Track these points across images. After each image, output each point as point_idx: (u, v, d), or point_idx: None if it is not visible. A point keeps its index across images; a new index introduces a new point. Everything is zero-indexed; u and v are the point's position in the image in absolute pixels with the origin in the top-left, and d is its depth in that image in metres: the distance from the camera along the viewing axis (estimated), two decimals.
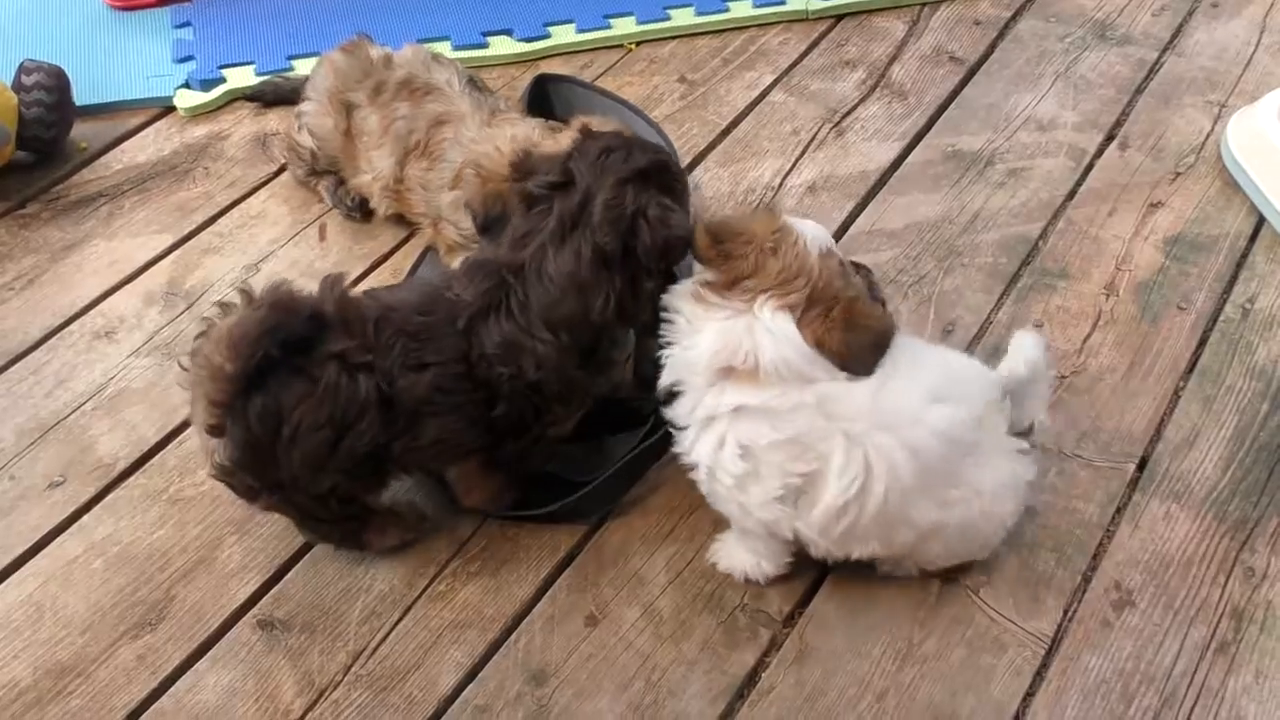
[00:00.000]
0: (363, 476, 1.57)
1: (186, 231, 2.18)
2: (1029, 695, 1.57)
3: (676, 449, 1.56)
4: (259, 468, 1.50)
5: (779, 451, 1.47)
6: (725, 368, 1.47)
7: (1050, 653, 1.60)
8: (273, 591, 1.68)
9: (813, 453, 1.46)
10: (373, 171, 2.06)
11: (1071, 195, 2.26)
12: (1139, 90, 2.50)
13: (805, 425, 1.46)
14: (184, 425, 1.86)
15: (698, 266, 1.53)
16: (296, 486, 1.52)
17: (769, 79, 2.51)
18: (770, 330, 1.45)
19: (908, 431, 1.47)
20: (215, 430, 1.47)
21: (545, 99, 2.34)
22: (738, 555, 1.67)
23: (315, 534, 1.69)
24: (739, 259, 1.48)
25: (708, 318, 1.48)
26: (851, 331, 1.46)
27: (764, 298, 1.46)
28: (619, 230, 1.54)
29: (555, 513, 1.73)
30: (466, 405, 1.54)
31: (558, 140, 1.81)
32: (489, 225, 1.80)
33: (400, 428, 1.52)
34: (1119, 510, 1.75)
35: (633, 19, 2.60)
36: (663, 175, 1.60)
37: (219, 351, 1.42)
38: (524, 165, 1.63)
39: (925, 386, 1.50)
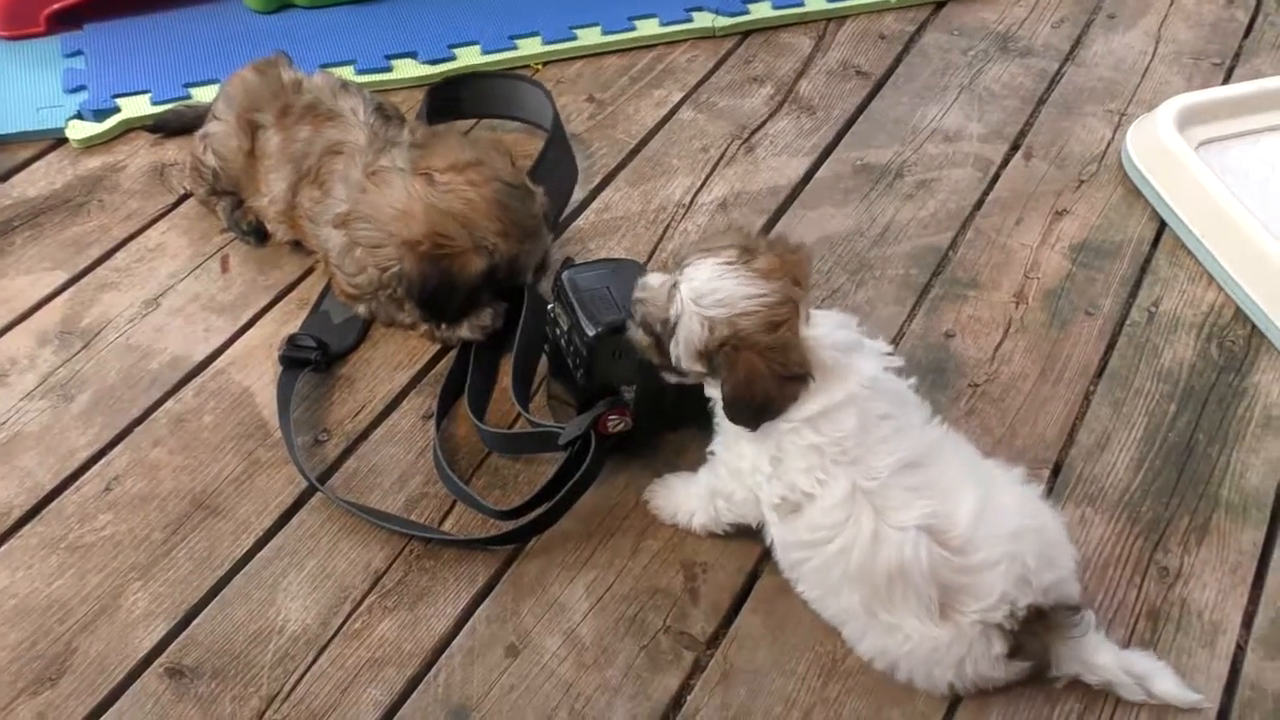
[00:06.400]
0: None
1: (81, 267, 2.11)
2: (953, 706, 1.57)
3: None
4: None
5: (803, 459, 1.49)
6: None
7: None
8: (180, 638, 1.61)
9: (823, 475, 1.49)
10: (270, 194, 2.02)
11: (979, 205, 2.29)
12: (1041, 101, 2.54)
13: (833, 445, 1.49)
14: (82, 469, 1.80)
15: None
16: None
17: (677, 96, 2.51)
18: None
19: (887, 524, 1.47)
20: None
21: (446, 105, 2.34)
22: (677, 498, 1.72)
23: None
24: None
25: None
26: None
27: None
28: None
29: (477, 541, 1.71)
30: None
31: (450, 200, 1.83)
32: (431, 300, 1.84)
33: None
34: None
35: (539, 39, 2.58)
36: None
37: None
38: None
39: (932, 508, 1.48)
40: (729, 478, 1.62)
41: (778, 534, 1.58)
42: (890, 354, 1.58)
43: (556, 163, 2.23)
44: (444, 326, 1.94)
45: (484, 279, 1.84)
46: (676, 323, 1.50)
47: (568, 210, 2.22)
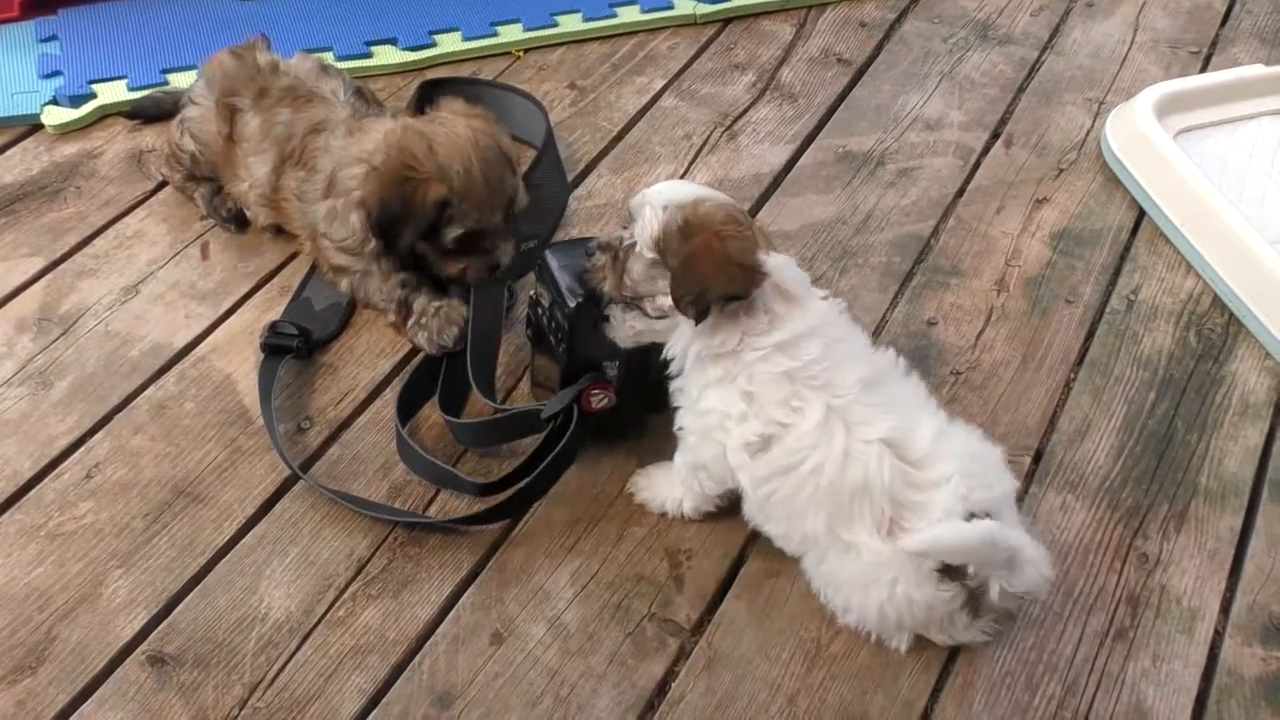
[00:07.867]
0: None
1: (59, 254, 2.09)
2: (936, 690, 1.58)
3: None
4: None
5: (778, 390, 1.51)
6: None
7: (956, 647, 1.61)
8: (162, 626, 1.60)
9: (798, 402, 1.51)
10: (250, 179, 2.00)
11: (960, 193, 2.30)
12: (1021, 89, 2.55)
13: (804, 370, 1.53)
14: (62, 456, 1.78)
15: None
16: None
17: (659, 84, 2.51)
18: None
19: (856, 439, 1.50)
20: None
21: (433, 103, 2.32)
22: (662, 487, 1.73)
23: None
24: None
25: None
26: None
27: None
28: None
29: (461, 520, 1.71)
30: None
31: (434, 127, 1.83)
32: (387, 226, 1.78)
33: None
34: (1017, 502, 1.77)
35: (519, 26, 2.58)
36: None
37: None
38: None
39: (895, 423, 1.52)
40: (699, 442, 1.61)
41: (748, 475, 1.57)
42: (825, 297, 1.61)
43: (543, 184, 2.20)
44: (409, 323, 1.91)
45: (437, 211, 1.80)
46: (633, 228, 1.56)
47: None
